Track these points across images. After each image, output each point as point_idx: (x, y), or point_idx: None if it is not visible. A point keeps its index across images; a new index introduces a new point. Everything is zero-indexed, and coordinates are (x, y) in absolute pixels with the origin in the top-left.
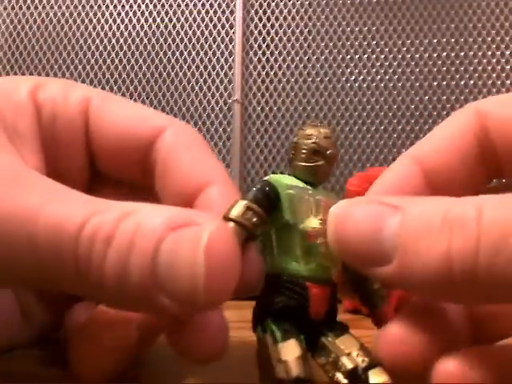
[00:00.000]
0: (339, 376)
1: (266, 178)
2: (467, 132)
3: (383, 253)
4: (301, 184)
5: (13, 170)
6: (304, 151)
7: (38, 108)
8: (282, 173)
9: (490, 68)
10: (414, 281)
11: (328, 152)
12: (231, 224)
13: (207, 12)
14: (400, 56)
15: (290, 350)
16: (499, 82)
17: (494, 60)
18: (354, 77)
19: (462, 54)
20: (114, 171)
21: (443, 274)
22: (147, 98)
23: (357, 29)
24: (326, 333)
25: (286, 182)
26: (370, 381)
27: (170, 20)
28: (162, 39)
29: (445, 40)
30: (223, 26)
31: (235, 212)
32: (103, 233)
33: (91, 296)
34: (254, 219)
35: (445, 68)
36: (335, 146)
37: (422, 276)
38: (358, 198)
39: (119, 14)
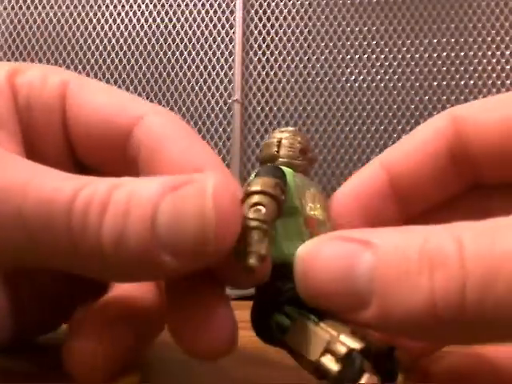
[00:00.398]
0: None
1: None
2: (439, 137)
3: (358, 294)
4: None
5: None
6: (291, 149)
7: (14, 92)
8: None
9: (489, 68)
10: (396, 325)
11: (310, 154)
12: (263, 197)
13: (207, 12)
14: (400, 56)
15: (338, 327)
16: (499, 82)
17: (494, 60)
18: (353, 77)
19: (462, 53)
20: (95, 161)
21: (428, 315)
22: (147, 98)
23: (357, 29)
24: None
25: (290, 170)
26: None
27: (170, 20)
28: (162, 39)
29: (445, 40)
30: (223, 26)
31: (268, 188)
32: (97, 202)
33: (88, 269)
34: (282, 197)
35: (445, 68)
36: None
37: (405, 319)
38: (324, 235)
39: (119, 14)
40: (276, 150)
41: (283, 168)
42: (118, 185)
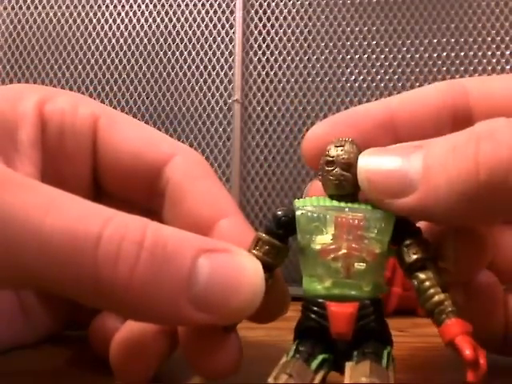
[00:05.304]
0: None
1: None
2: (443, 95)
3: (408, 181)
4: (321, 203)
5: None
6: (320, 167)
7: (43, 120)
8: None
9: (490, 68)
10: (438, 206)
11: (340, 158)
12: None
13: (207, 12)
14: (400, 56)
15: (282, 369)
16: None
17: (494, 60)
18: (353, 77)
19: (462, 54)
20: (119, 191)
21: (470, 182)
22: (147, 98)
23: (357, 29)
24: (352, 356)
25: (300, 204)
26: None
27: (170, 20)
28: (162, 39)
29: (445, 40)
30: (223, 26)
31: (250, 246)
32: (130, 240)
33: (102, 305)
34: (266, 247)
35: (445, 68)
36: (350, 153)
37: (448, 194)
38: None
39: (119, 13)
40: (319, 174)
41: (293, 205)
42: (148, 225)
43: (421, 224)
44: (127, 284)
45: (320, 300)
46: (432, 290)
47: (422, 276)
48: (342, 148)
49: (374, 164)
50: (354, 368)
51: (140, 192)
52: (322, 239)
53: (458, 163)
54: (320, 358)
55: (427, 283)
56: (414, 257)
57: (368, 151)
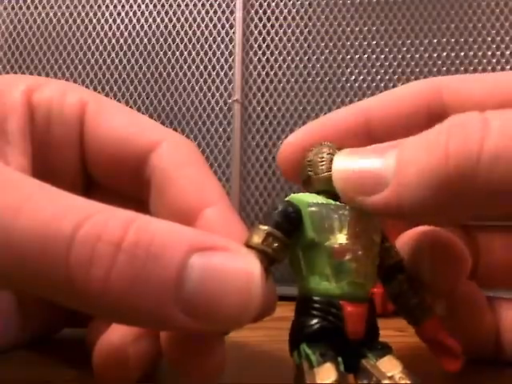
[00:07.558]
0: None
1: (287, 198)
2: (418, 95)
3: (381, 180)
4: (323, 200)
5: None
6: (322, 163)
7: (31, 109)
8: (301, 191)
9: (490, 68)
10: (409, 200)
11: None
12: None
13: (207, 12)
14: (400, 56)
15: (325, 375)
16: None
17: (494, 60)
18: (353, 77)
19: (462, 54)
20: (107, 180)
21: (439, 177)
22: (147, 98)
23: (357, 29)
24: (366, 354)
25: (307, 199)
26: None
27: (170, 20)
28: (162, 39)
29: (445, 40)
30: (223, 26)
31: (256, 239)
32: (107, 240)
33: (82, 307)
34: (275, 244)
35: (445, 68)
36: None
37: (418, 186)
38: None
39: (119, 13)
40: (309, 170)
41: (298, 200)
42: (134, 221)
43: (398, 240)
44: (102, 289)
45: (334, 300)
46: (412, 291)
47: (402, 277)
48: (340, 149)
49: (348, 163)
50: (380, 364)
51: (128, 181)
52: (339, 238)
53: (428, 155)
54: (340, 360)
55: (406, 285)
56: (393, 260)
57: (343, 151)
